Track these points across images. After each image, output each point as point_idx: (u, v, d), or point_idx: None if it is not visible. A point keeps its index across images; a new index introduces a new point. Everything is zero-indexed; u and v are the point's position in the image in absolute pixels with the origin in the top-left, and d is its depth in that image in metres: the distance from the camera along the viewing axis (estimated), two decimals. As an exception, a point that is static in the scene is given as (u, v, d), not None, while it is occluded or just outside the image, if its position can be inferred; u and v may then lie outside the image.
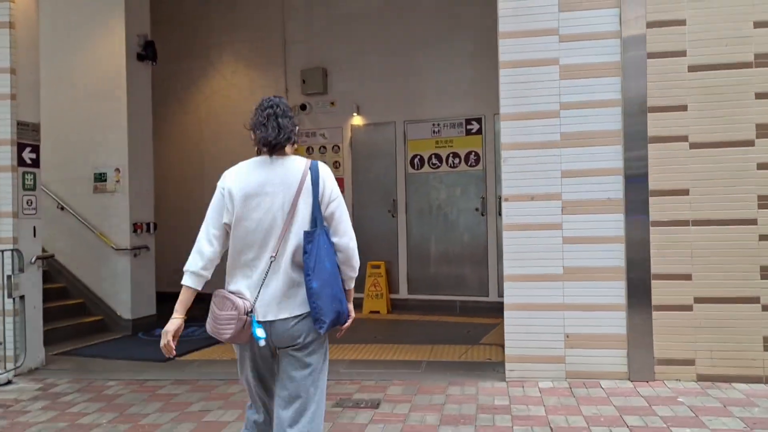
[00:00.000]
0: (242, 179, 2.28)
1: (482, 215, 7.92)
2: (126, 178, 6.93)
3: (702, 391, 4.10)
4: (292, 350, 2.28)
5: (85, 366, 5.51)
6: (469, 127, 7.97)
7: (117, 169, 6.96)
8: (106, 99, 7.00)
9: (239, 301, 2.20)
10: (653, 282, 4.36)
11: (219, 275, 2.39)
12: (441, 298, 8.08)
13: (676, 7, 4.39)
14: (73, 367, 5.47)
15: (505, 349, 4.57)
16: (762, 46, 4.29)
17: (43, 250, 5.79)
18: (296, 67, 8.76)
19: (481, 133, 7.92)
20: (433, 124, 8.11)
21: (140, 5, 7.22)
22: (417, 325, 7.18)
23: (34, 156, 5.39)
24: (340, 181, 8.46)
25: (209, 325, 2.27)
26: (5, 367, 4.97)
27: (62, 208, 7.15)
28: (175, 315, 2.27)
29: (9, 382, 4.90)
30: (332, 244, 2.28)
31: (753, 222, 4.28)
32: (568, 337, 4.47)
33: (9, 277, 5.01)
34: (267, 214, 2.24)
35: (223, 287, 2.32)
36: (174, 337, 2.25)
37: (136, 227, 6.98)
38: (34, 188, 5.37)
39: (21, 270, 5.09)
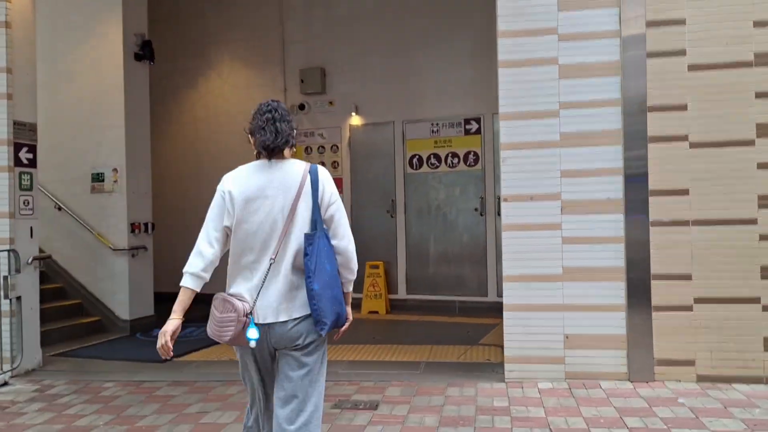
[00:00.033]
0: (242, 183, 2.29)
1: (481, 215, 7.90)
2: (123, 178, 6.90)
3: (702, 392, 4.08)
4: (290, 350, 2.29)
5: (83, 367, 5.48)
6: (468, 126, 7.96)
7: (115, 169, 6.93)
8: (103, 99, 6.97)
9: (238, 303, 2.21)
10: (653, 282, 4.34)
11: (217, 276, 2.38)
12: (440, 298, 8.06)
13: (675, 6, 4.37)
14: (71, 368, 5.44)
15: (505, 349, 4.55)
16: (762, 45, 4.27)
17: (41, 251, 5.76)
18: (295, 67, 8.74)
19: (480, 133, 7.90)
20: (432, 124, 8.09)
21: (137, 5, 7.19)
22: (416, 325, 7.16)
23: (30, 156, 5.36)
24: (339, 181, 8.43)
25: (210, 328, 2.28)
26: (2, 369, 4.93)
27: (60, 209, 7.11)
28: (173, 315, 2.25)
29: (5, 384, 4.87)
30: (332, 246, 2.30)
31: (753, 222, 4.26)
32: (567, 337, 4.45)
33: (5, 277, 4.97)
34: (267, 217, 2.25)
35: (221, 288, 2.33)
36: (171, 337, 2.24)
37: (133, 227, 6.95)
38: (30, 188, 5.34)
39: (18, 271, 5.06)
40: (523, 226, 4.54)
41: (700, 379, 4.28)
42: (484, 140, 7.88)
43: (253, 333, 2.19)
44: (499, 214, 5.95)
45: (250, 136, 2.37)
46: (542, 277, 4.48)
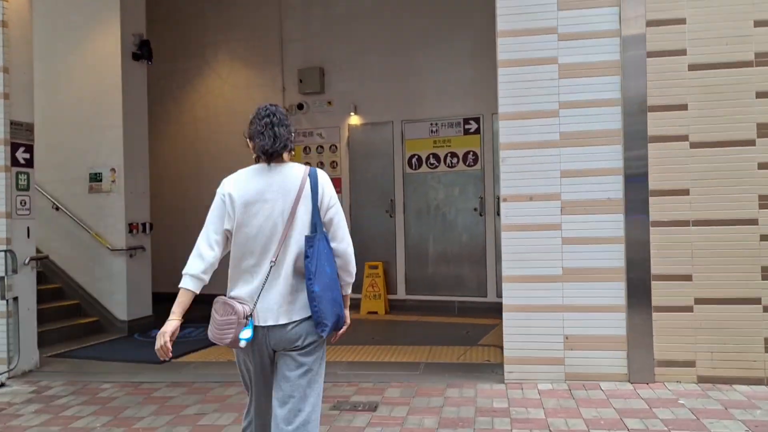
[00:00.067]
0: (242, 186, 2.30)
1: (480, 215, 7.88)
2: (121, 178, 6.87)
3: (703, 393, 4.07)
4: (289, 351, 2.30)
5: (80, 368, 5.46)
6: (467, 126, 7.93)
7: (112, 169, 6.91)
8: (101, 98, 6.95)
9: (238, 306, 2.22)
10: (653, 283, 4.32)
11: (216, 277, 2.38)
12: (439, 298, 8.04)
13: (675, 5, 4.35)
14: (68, 369, 5.42)
15: (504, 350, 4.53)
16: (762, 45, 4.25)
17: (38, 251, 5.74)
18: (293, 66, 8.71)
19: (479, 133, 7.88)
20: (431, 124, 8.07)
21: (135, 4, 7.16)
22: (415, 325, 7.14)
23: (27, 156, 5.33)
24: (338, 181, 8.41)
25: (211, 332, 2.29)
26: (-2, 370, 4.92)
27: (57, 209, 7.09)
28: (172, 316, 2.25)
29: (2, 385, 4.84)
30: (331, 249, 2.32)
31: (754, 222, 4.24)
32: (567, 338, 4.43)
33: (2, 278, 4.95)
34: (267, 220, 2.26)
35: (219, 288, 2.34)
36: (170, 338, 2.23)
37: (131, 227, 6.92)
38: (27, 188, 5.32)
39: (14, 271, 5.04)
40: (522, 226, 4.52)
41: (701, 380, 4.26)
42: (483, 140, 7.85)
43: (245, 333, 2.19)
44: (498, 214, 5.93)
45: (248, 140, 2.38)
46: (542, 277, 4.46)
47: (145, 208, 7.20)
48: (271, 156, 2.31)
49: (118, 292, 6.91)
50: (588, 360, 4.40)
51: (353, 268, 2.41)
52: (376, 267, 7.97)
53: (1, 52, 5.09)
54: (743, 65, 4.27)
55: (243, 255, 2.29)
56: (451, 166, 8.00)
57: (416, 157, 8.17)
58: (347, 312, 2.42)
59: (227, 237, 2.31)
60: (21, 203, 5.23)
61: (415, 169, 8.18)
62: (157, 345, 2.20)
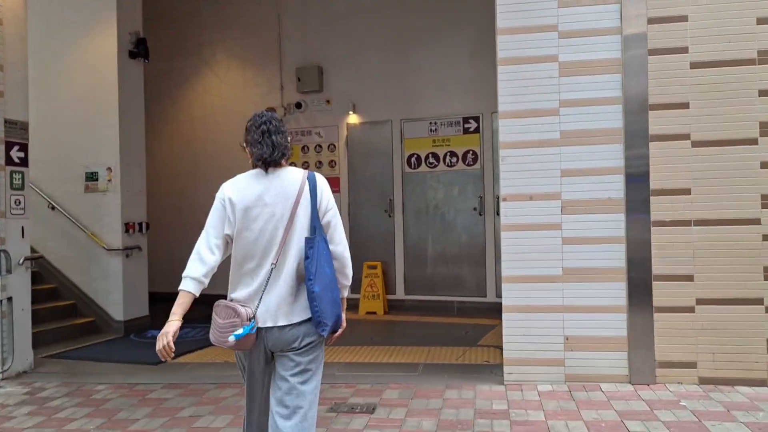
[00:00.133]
0: (242, 191, 2.34)
1: (480, 215, 7.83)
2: (118, 177, 6.82)
3: (704, 395, 4.02)
4: (286, 352, 2.33)
5: (75, 369, 5.40)
6: (466, 125, 7.88)
7: (109, 168, 6.85)
8: (97, 97, 6.89)
9: (241, 309, 2.26)
10: (654, 283, 4.28)
11: (215, 278, 2.40)
12: (438, 298, 7.99)
13: (677, 2, 4.31)
14: (62, 370, 5.36)
15: (504, 351, 4.48)
16: (765, 42, 4.20)
17: (33, 251, 5.69)
18: (291, 65, 8.65)
19: (478, 132, 7.83)
20: (430, 123, 8.02)
21: (132, 2, 7.10)
22: (414, 326, 7.09)
23: (22, 155, 5.27)
24: (336, 181, 8.36)
25: (212, 335, 2.32)
26: (-8, 371, 4.86)
27: (53, 208, 7.03)
28: (172, 317, 2.26)
29: (-4, 386, 4.79)
30: (330, 251, 2.35)
31: (756, 222, 4.20)
32: (567, 339, 4.39)
33: (-4, 278, 4.90)
34: (267, 224, 2.30)
35: (218, 289, 2.39)
36: (172, 339, 2.25)
37: (127, 227, 6.87)
38: (22, 187, 5.26)
39: (8, 271, 4.99)
40: (522, 226, 4.47)
41: (702, 381, 4.22)
42: (482, 139, 7.80)
43: (239, 330, 2.22)
44: (498, 214, 5.89)
45: (245, 147, 2.42)
46: (542, 277, 4.42)
47: (142, 208, 7.15)
48: (268, 164, 2.35)
49: (114, 292, 6.86)
50: (588, 361, 4.36)
51: (350, 271, 2.45)
52: (374, 267, 7.92)
53: (-5, 50, 5.04)
54: (746, 63, 4.22)
55: (244, 258, 2.33)
56: (451, 166, 7.95)
57: (415, 156, 8.11)
58: (344, 315, 2.45)
59: (227, 242, 2.35)
60: (15, 202, 5.18)
61: (414, 168, 8.13)
62: (159, 346, 2.21)
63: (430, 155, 8.04)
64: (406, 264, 8.17)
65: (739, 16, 4.24)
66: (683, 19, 4.29)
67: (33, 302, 5.40)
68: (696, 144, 4.27)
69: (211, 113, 9.12)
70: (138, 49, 7.03)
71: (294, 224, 2.30)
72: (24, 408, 4.26)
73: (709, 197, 4.25)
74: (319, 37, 8.55)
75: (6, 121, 5.11)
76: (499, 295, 5.44)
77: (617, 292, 4.34)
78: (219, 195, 2.37)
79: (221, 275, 2.44)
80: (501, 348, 4.57)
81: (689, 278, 4.25)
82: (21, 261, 5.16)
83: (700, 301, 4.24)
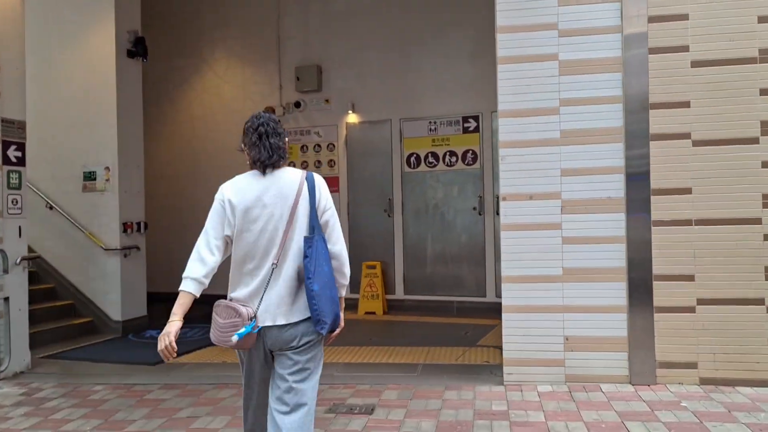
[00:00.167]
0: (241, 192, 2.35)
1: (480, 215, 7.80)
2: (116, 177, 6.78)
3: (705, 395, 4.00)
4: (285, 350, 2.35)
5: (72, 369, 5.37)
6: (466, 124, 7.86)
7: (107, 168, 6.82)
8: (95, 96, 6.86)
9: (242, 309, 2.27)
10: (655, 283, 4.26)
11: (215, 278, 2.40)
12: (438, 298, 7.96)
13: (678, 1, 4.29)
14: (60, 370, 5.32)
15: (503, 352, 4.46)
16: (767, 41, 4.18)
17: (30, 250, 5.66)
18: (290, 64, 8.62)
19: (478, 131, 7.81)
20: (430, 122, 7.99)
21: (130, 1, 7.07)
22: (413, 326, 7.06)
23: (19, 154, 5.25)
24: (335, 180, 8.34)
25: (213, 335, 2.32)
26: (-11, 371, 4.84)
27: (51, 207, 7.00)
28: (173, 317, 2.27)
29: (-7, 387, 4.77)
30: (328, 250, 2.37)
31: (757, 221, 4.17)
32: (567, 339, 4.36)
33: (-7, 278, 4.88)
34: (267, 224, 2.31)
35: (218, 289, 2.41)
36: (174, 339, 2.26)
37: (125, 227, 6.84)
38: (19, 187, 5.23)
39: (5, 271, 4.96)
40: (522, 225, 4.44)
41: (703, 381, 4.19)
42: (482, 138, 7.78)
43: (240, 330, 2.23)
44: (497, 214, 5.87)
45: (243, 148, 2.43)
46: (542, 277, 4.39)
47: (140, 208, 7.12)
48: (266, 166, 2.37)
49: (112, 292, 6.83)
50: (588, 361, 4.33)
51: (347, 270, 2.45)
52: (374, 267, 7.89)
53: (-8, 48, 5.01)
54: (747, 62, 4.20)
55: (244, 259, 2.34)
56: (450, 165, 7.92)
57: (415, 155, 8.09)
58: (342, 315, 2.46)
59: (227, 242, 2.37)
60: (12, 202, 5.15)
61: (414, 167, 8.10)
62: (161, 346, 2.22)
63: (430, 155, 8.01)
64: (406, 264, 8.15)
65: (740, 14, 4.22)
66: (684, 17, 4.27)
67: (30, 302, 5.38)
68: (697, 143, 4.25)
69: (210, 113, 9.09)
70: (136, 49, 7.01)
71: (294, 224, 2.32)
72: (21, 409, 4.23)
73: (709, 197, 4.22)
74: (319, 36, 8.52)
75: (3, 120, 5.09)
76: (498, 295, 5.41)
77: (617, 292, 4.32)
78: (218, 196, 2.38)
79: (221, 275, 2.45)
80: (501, 348, 4.55)
81: (690, 278, 4.23)
82: (18, 261, 5.14)
83: (701, 301, 4.22)
